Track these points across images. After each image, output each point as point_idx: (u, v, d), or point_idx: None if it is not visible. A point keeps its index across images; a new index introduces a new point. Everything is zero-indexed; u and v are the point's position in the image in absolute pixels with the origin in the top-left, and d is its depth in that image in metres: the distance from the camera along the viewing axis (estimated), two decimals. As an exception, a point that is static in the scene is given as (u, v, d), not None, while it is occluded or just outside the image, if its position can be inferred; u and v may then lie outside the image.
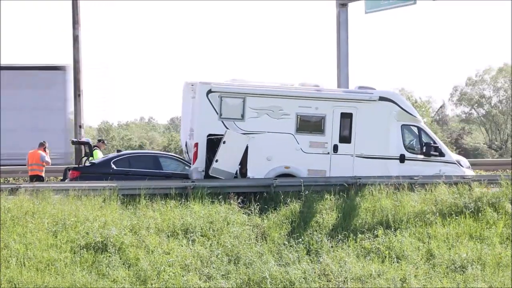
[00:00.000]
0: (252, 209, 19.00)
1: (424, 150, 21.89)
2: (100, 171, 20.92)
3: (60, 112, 29.02)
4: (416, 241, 18.18)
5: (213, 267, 16.59)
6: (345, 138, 21.45)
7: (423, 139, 21.97)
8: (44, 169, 21.19)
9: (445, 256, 17.58)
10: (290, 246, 17.63)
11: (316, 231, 18.23)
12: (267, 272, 16.41)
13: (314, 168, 21.20)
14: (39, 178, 20.81)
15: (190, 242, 17.38)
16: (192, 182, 19.84)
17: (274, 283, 16.25)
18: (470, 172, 22.45)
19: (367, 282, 16.56)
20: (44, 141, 21.56)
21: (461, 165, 22.27)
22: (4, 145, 27.66)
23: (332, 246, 17.75)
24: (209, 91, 20.83)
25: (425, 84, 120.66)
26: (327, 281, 16.57)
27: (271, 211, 19.06)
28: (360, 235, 18.25)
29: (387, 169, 21.35)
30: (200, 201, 18.96)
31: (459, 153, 41.77)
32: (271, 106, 21.10)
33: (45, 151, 21.07)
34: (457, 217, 19.07)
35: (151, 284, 15.82)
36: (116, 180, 19.72)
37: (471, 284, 16.70)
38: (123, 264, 16.34)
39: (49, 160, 20.95)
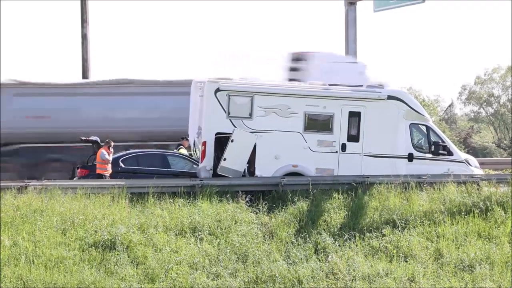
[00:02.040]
0: (260, 208, 19.00)
1: (433, 149, 21.83)
2: (108, 170, 20.95)
3: None
4: (424, 240, 18.14)
5: (221, 266, 16.60)
6: (353, 137, 21.42)
7: (431, 138, 21.92)
8: (107, 167, 20.83)
9: (453, 255, 17.54)
10: (298, 244, 17.62)
11: (324, 230, 18.21)
12: (277, 270, 16.41)
13: (322, 166, 21.19)
14: (100, 177, 20.57)
15: (198, 241, 17.39)
16: (200, 180, 19.86)
17: (282, 282, 16.25)
18: (478, 171, 22.39)
19: (375, 281, 16.54)
20: (108, 140, 21.34)
21: (469, 164, 22.20)
22: None
23: (340, 245, 17.73)
24: (217, 90, 20.83)
25: (434, 83, 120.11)
26: (335, 280, 16.56)
27: (279, 210, 19.05)
28: (368, 234, 18.22)
29: (395, 168, 21.30)
30: (208, 199, 18.97)
31: (467, 152, 41.64)
32: (279, 104, 21.09)
33: (109, 149, 20.83)
34: (465, 216, 19.02)
35: (159, 283, 15.84)
36: (124, 179, 19.77)
37: (480, 284, 16.66)
38: (131, 262, 16.38)
39: (109, 158, 20.72)
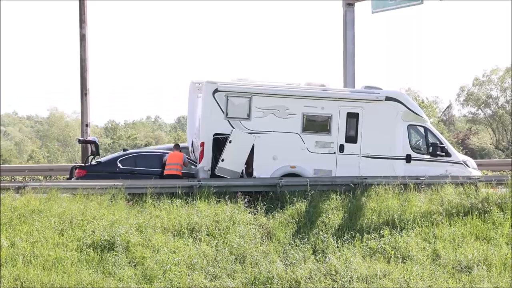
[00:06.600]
0: (258, 209, 19.01)
1: (431, 150, 21.88)
2: (106, 170, 20.97)
3: None
4: (422, 242, 18.15)
5: (219, 267, 16.60)
6: (351, 138, 21.46)
7: (429, 139, 21.96)
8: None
9: (451, 256, 17.55)
10: (296, 245, 17.63)
11: (322, 231, 18.22)
12: (274, 271, 16.41)
13: (320, 167, 21.22)
14: (178, 177, 20.68)
15: (196, 241, 17.40)
16: (198, 181, 19.88)
17: (280, 283, 16.25)
18: (476, 173, 22.41)
19: (372, 282, 16.54)
20: (179, 144, 21.65)
21: (467, 166, 22.24)
22: None
23: (338, 246, 17.74)
24: (216, 91, 20.85)
25: (432, 84, 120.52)
26: (333, 281, 16.56)
27: (277, 211, 19.07)
28: (366, 235, 18.23)
29: (393, 169, 21.35)
30: (206, 200, 18.99)
31: (465, 154, 41.70)
32: (277, 105, 21.11)
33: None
34: (463, 218, 19.04)
35: (157, 283, 15.84)
36: (122, 179, 19.77)
37: (477, 285, 16.66)
38: (129, 263, 16.37)
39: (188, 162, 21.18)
